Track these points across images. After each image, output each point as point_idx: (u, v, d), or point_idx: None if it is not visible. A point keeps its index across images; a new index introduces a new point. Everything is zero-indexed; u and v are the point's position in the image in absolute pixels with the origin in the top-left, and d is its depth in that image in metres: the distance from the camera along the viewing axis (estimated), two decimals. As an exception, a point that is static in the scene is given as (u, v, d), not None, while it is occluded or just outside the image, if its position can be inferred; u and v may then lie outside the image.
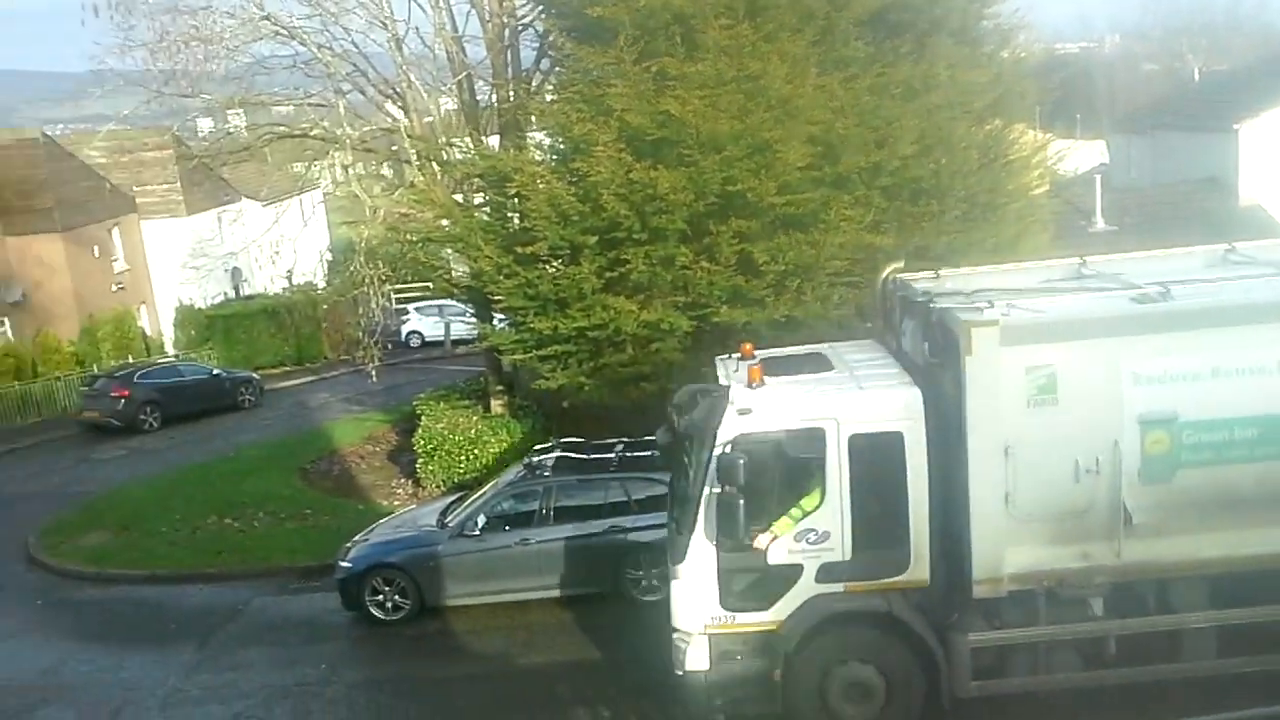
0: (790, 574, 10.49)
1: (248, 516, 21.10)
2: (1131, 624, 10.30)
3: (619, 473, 15.36)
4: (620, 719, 11.99)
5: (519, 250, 17.24)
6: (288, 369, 39.56)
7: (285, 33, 22.91)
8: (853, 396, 10.59)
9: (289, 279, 40.29)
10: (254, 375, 35.52)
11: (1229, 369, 9.92)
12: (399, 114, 23.38)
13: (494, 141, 22.14)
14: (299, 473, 24.55)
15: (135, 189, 43.71)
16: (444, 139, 23.39)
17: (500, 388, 22.46)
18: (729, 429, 10.29)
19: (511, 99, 21.47)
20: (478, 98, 23.21)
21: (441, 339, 40.94)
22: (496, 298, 18.06)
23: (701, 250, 16.39)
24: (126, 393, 31.11)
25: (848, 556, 10.43)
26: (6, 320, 37.25)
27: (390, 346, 30.81)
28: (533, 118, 20.74)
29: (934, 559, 10.41)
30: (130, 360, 36.42)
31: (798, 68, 16.30)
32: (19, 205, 37.72)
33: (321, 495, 22.64)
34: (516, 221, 18.26)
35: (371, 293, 23.79)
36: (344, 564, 15.65)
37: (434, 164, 22.00)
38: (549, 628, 14.61)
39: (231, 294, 46.57)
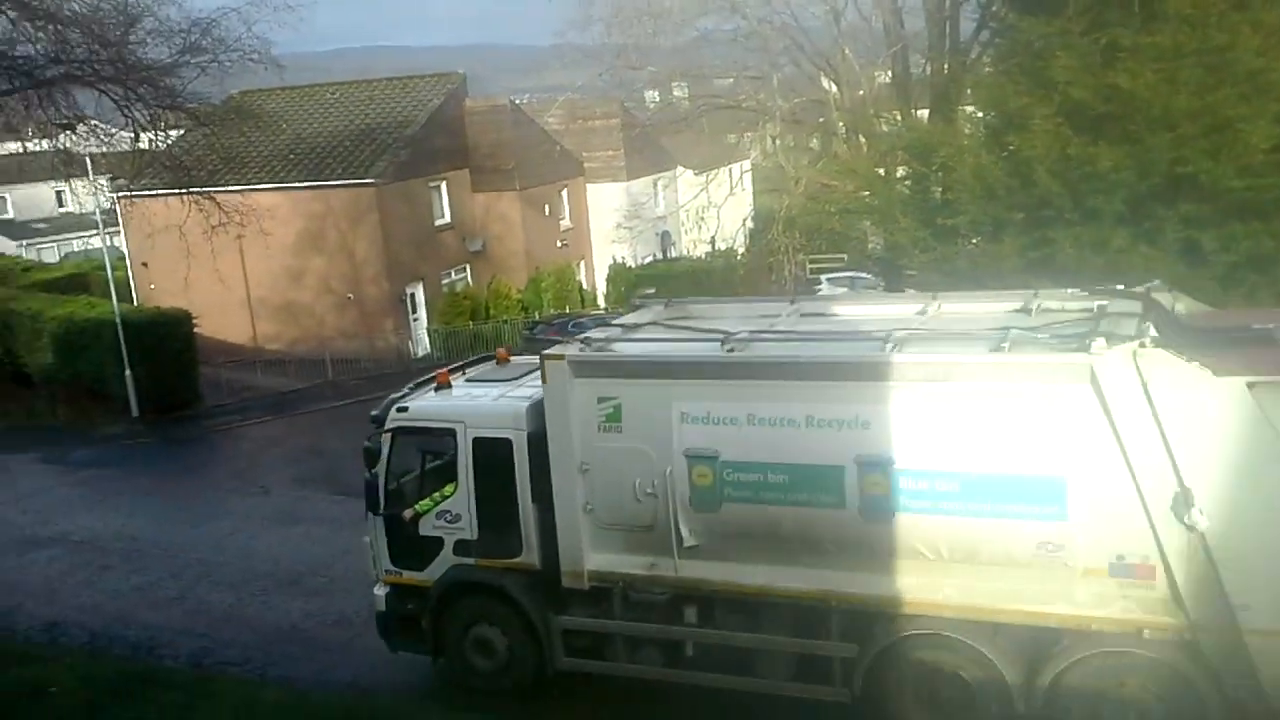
0: (435, 545, 12.61)
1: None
2: (684, 632, 11.61)
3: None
4: None
5: (938, 223, 16.89)
6: (704, 331, 41.15)
7: (729, 7, 23.74)
8: (479, 406, 12.52)
9: (712, 244, 41.87)
10: (672, 334, 37.31)
11: (763, 418, 10.69)
12: (831, 87, 23.56)
13: (922, 115, 21.74)
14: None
15: (584, 154, 47.19)
16: (873, 111, 23.29)
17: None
18: (388, 422, 12.63)
19: (945, 71, 20.97)
20: (910, 71, 22.87)
21: (852, 312, 40.83)
22: (910, 271, 17.83)
23: (1140, 234, 15.23)
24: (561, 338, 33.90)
25: (475, 536, 12.40)
26: (469, 267, 41.64)
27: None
28: (967, 90, 20.15)
29: (542, 548, 12.01)
30: (566, 310, 39.54)
31: (1273, 39, 14.66)
32: (487, 165, 41.97)
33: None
34: (938, 195, 17.89)
35: (786, 260, 24.26)
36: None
37: (860, 136, 21.98)
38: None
39: (659, 255, 49.15)
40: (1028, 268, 15.84)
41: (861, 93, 23.83)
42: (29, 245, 60.31)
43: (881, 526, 10.40)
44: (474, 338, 38.36)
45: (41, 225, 63.08)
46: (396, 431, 12.64)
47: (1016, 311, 11.54)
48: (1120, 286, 11.63)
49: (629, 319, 13.15)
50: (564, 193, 46.03)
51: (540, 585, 12.20)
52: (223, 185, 31.90)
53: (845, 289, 40.97)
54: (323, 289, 37.82)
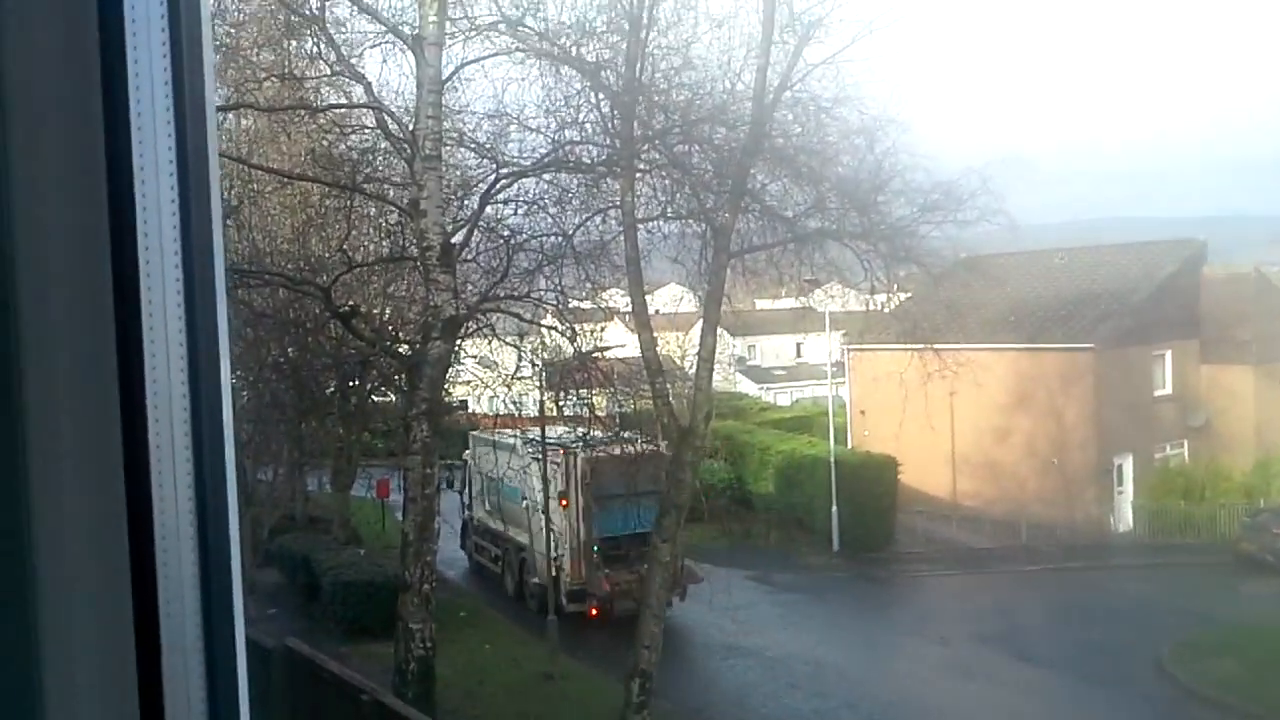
0: (464, 506, 32.37)
1: None
2: (491, 549, 29.83)
3: None
4: None
5: None
6: None
7: None
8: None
9: None
10: None
11: (504, 465, 24.15)
12: None
13: None
14: None
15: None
16: None
17: None
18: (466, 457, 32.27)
19: None
20: None
21: None
22: None
23: None
24: (1294, 530, 29.91)
25: (467, 502, 31.73)
26: (1185, 443, 38.61)
27: None
28: None
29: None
30: (1300, 502, 34.84)
31: None
32: (1218, 335, 38.90)
33: None
34: None
35: None
36: None
37: None
38: None
39: None
40: None
41: None
42: (768, 389, 67.78)
43: (512, 505, 26.71)
44: (1185, 519, 35.29)
45: (780, 372, 70.63)
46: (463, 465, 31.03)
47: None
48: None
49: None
50: (1312, 370, 40.89)
51: (473, 521, 30.46)
52: (945, 341, 33.28)
53: None
54: (1026, 451, 37.47)
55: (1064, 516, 35.06)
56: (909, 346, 29.91)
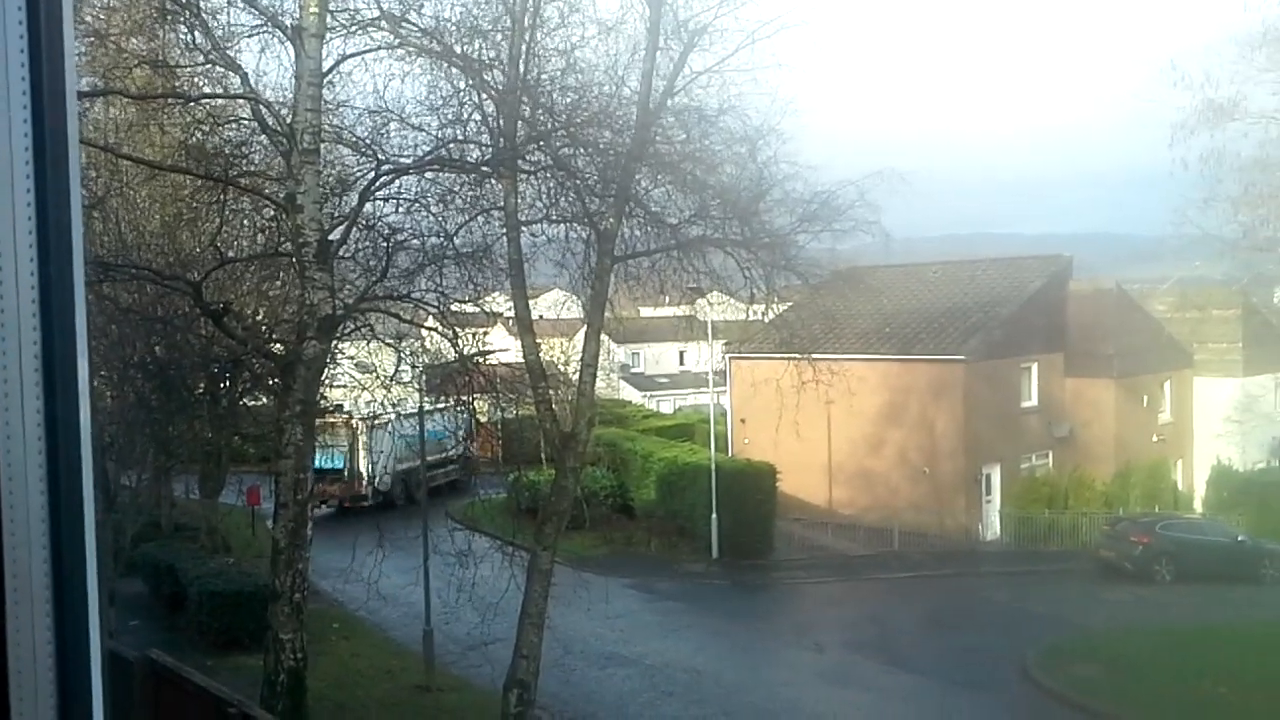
0: None
1: (1246, 689, 19.69)
2: None
3: None
4: None
5: None
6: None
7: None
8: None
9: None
10: (1287, 551, 32.76)
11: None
12: None
13: None
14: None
15: (1194, 345, 43.72)
16: None
17: None
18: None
19: None
20: None
21: None
22: None
23: None
24: (1146, 539, 31.19)
25: None
26: (1050, 453, 40.00)
27: None
28: None
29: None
30: (1155, 510, 36.41)
31: None
32: (1081, 349, 40.42)
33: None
34: None
35: None
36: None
37: None
38: None
39: (1275, 461, 43.62)
40: None
41: None
42: (651, 396, 68.09)
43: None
44: (1049, 527, 36.56)
45: (664, 380, 71.01)
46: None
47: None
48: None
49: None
50: (1166, 385, 42.85)
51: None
52: (821, 351, 33.76)
53: None
54: (899, 460, 38.33)
55: (935, 524, 35.94)
56: (787, 356, 30.33)
